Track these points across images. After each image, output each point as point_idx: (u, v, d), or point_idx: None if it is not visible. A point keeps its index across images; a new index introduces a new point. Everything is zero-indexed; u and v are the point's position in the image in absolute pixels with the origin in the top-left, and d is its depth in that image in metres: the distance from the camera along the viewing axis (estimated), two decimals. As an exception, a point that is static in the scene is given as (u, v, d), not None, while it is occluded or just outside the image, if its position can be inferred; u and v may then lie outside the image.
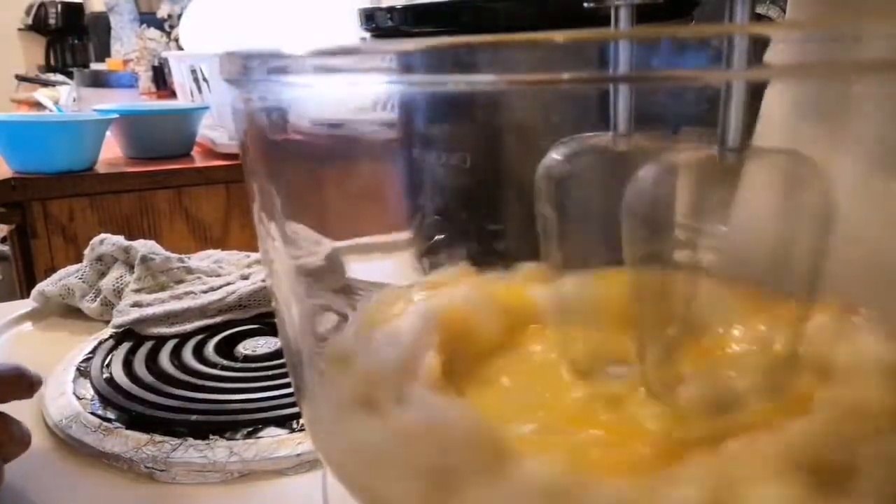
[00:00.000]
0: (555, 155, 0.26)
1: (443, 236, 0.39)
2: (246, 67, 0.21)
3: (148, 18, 2.16)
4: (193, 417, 0.42)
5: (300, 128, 0.27)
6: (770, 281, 0.24)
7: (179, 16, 1.78)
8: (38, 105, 1.98)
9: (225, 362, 0.50)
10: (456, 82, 0.16)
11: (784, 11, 0.41)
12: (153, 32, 2.00)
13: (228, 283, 0.60)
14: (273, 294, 0.26)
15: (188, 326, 0.54)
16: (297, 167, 0.29)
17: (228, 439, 0.40)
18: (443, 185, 0.40)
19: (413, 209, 0.40)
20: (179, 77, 1.54)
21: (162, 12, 2.10)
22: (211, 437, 0.41)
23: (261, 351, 0.51)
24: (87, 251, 0.62)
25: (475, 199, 0.40)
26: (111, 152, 1.29)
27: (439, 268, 0.39)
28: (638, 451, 0.22)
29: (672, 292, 0.28)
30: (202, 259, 0.66)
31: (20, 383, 0.37)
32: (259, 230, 0.26)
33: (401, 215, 0.40)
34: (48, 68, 3.28)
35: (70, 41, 3.60)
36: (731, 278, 0.31)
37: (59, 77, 2.43)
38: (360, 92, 0.39)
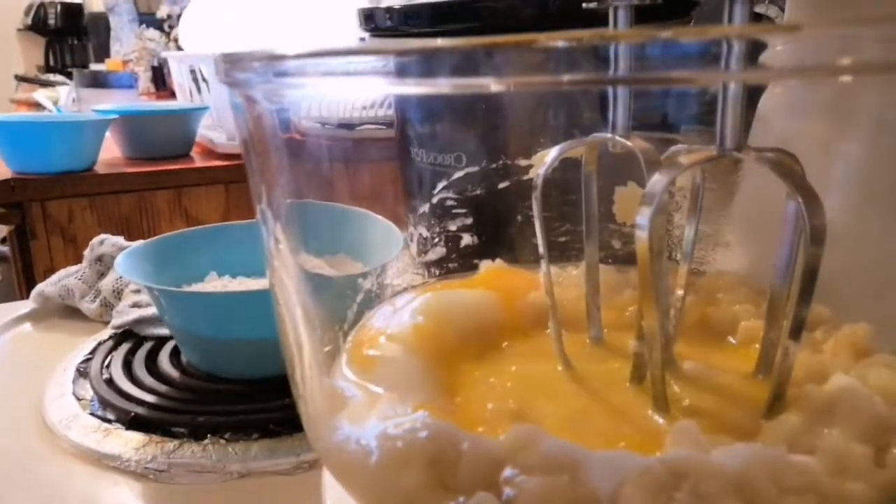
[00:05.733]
0: (553, 155, 0.26)
1: (442, 238, 0.39)
2: (240, 69, 0.21)
3: (147, 19, 2.15)
4: (198, 419, 0.42)
5: (307, 129, 0.27)
6: (769, 281, 0.24)
7: (179, 16, 1.78)
8: (37, 105, 1.98)
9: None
10: (455, 84, 0.16)
11: (783, 11, 0.41)
12: (152, 33, 2.00)
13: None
14: (274, 295, 0.26)
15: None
16: (304, 168, 0.29)
17: (228, 440, 0.40)
18: (442, 185, 0.40)
19: (413, 209, 0.40)
20: (179, 77, 1.54)
21: (161, 13, 2.10)
22: (210, 437, 0.41)
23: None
24: (86, 252, 0.62)
25: (475, 200, 0.40)
26: (110, 153, 1.29)
27: (438, 268, 0.39)
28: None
29: (671, 290, 0.28)
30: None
31: None
32: (262, 231, 0.26)
33: (401, 216, 0.40)
34: (47, 69, 3.28)
35: (69, 42, 3.60)
36: (730, 277, 0.31)
37: (59, 77, 2.43)
38: (359, 93, 0.39)
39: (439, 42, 0.16)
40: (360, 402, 0.24)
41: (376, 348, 0.27)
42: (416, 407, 0.23)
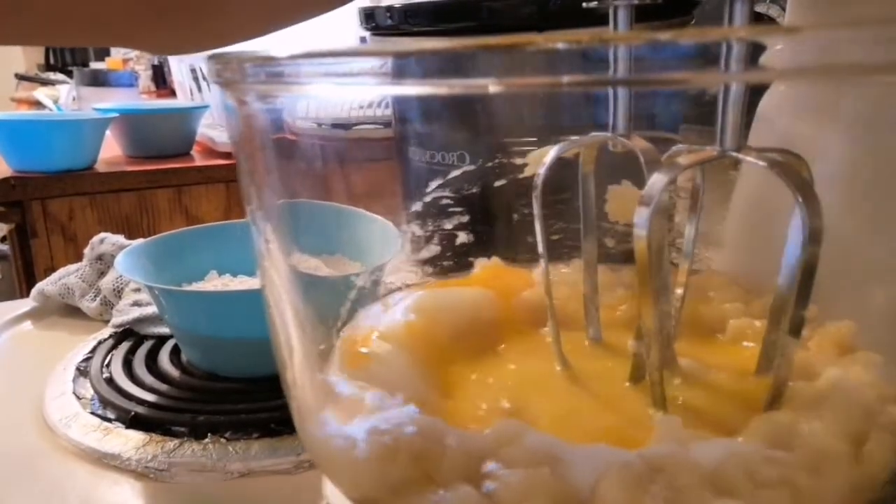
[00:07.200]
0: (552, 155, 0.26)
1: (437, 236, 0.39)
2: (231, 70, 0.21)
3: (148, 17, 2.15)
4: (199, 418, 0.42)
5: (297, 129, 0.27)
6: (767, 280, 0.24)
7: (179, 14, 1.78)
8: (37, 104, 1.98)
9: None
10: (452, 85, 0.16)
11: (784, 10, 0.41)
12: (153, 31, 1.99)
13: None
14: (265, 297, 0.26)
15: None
16: (295, 168, 0.29)
17: (228, 439, 0.40)
18: (437, 184, 0.40)
19: (407, 207, 0.40)
20: (179, 76, 1.54)
21: (162, 11, 2.09)
22: (210, 436, 0.41)
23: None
24: (86, 250, 0.62)
25: (472, 198, 0.40)
26: (111, 151, 1.29)
27: (433, 266, 0.39)
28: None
29: (670, 288, 0.28)
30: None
31: None
32: (253, 232, 0.26)
33: (397, 215, 0.40)
34: (48, 67, 3.26)
35: (70, 40, 3.59)
36: (728, 277, 0.31)
37: (59, 76, 2.43)
38: (352, 94, 0.39)
39: (434, 44, 0.16)
40: (351, 399, 0.24)
41: (368, 346, 0.27)
42: (406, 403, 0.23)
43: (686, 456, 0.19)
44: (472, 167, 0.39)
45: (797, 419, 0.21)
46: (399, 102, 0.37)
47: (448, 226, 0.39)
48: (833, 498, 0.19)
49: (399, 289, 0.33)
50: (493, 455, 0.20)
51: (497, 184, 0.38)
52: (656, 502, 0.18)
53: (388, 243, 0.38)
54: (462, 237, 0.39)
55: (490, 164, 0.38)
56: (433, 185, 0.39)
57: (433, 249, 0.39)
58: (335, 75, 0.18)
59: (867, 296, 0.27)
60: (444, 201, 0.39)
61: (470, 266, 0.34)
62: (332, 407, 0.24)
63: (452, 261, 0.39)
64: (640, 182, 0.22)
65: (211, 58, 0.21)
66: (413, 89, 0.18)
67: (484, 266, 0.33)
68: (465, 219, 0.39)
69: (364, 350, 0.27)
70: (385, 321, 0.29)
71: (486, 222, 0.39)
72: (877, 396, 0.22)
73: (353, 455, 0.21)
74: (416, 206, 0.39)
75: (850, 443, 0.20)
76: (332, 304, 0.31)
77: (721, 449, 0.19)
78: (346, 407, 0.24)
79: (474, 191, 0.39)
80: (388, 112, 0.39)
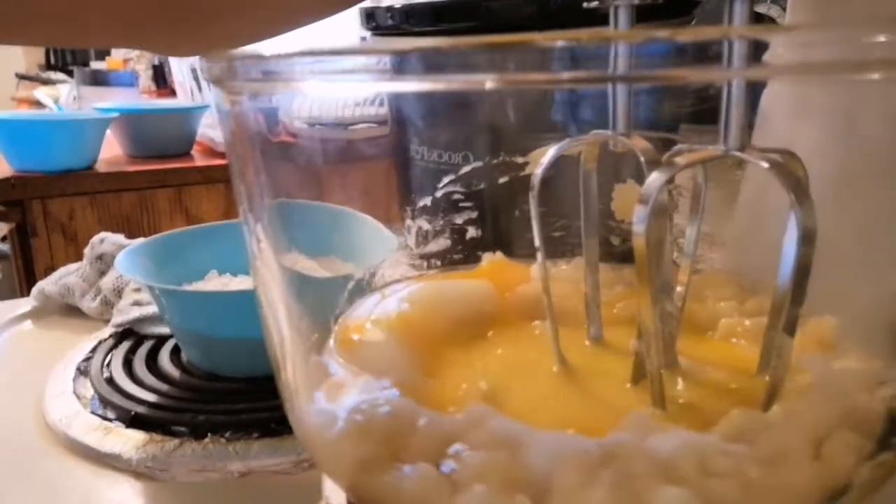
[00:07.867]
0: (551, 154, 0.26)
1: (446, 231, 0.40)
2: (222, 69, 0.21)
3: (148, 17, 2.15)
4: (199, 417, 0.42)
5: (289, 128, 0.27)
6: (768, 278, 0.24)
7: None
8: (38, 104, 1.98)
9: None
10: (450, 82, 0.16)
11: (784, 11, 0.41)
12: (153, 31, 1.99)
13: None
14: (258, 297, 0.26)
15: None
16: (286, 168, 0.29)
17: (228, 439, 0.40)
18: (448, 180, 0.40)
19: (411, 203, 0.40)
20: (180, 76, 1.54)
21: (162, 11, 2.09)
22: (210, 436, 0.41)
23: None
24: (87, 250, 0.62)
25: (480, 194, 0.40)
26: (111, 151, 1.29)
27: (441, 259, 0.39)
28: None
29: (673, 288, 0.28)
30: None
31: None
32: (245, 231, 0.26)
33: (395, 214, 0.40)
34: (48, 67, 3.26)
35: (70, 40, 3.58)
36: (726, 275, 0.31)
37: (60, 75, 2.43)
38: (348, 91, 0.39)
39: (430, 42, 0.16)
40: (338, 381, 0.24)
41: (361, 333, 0.28)
42: (392, 387, 0.23)
43: (640, 445, 0.19)
44: (476, 165, 0.39)
45: (766, 414, 0.21)
46: (400, 101, 0.37)
47: (459, 221, 0.39)
48: (788, 492, 0.19)
49: (398, 281, 0.33)
50: (460, 437, 0.20)
51: (501, 181, 0.38)
52: (604, 486, 0.18)
53: (381, 245, 0.38)
54: (472, 232, 0.39)
55: (495, 161, 0.38)
56: (443, 181, 0.39)
57: (441, 243, 0.39)
58: (325, 73, 0.18)
59: (850, 294, 0.27)
60: (455, 196, 0.39)
61: (471, 261, 0.34)
62: (321, 389, 0.24)
63: (461, 255, 0.39)
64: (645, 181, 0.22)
65: (203, 56, 0.21)
66: (409, 86, 0.18)
67: (490, 261, 0.33)
68: (475, 214, 0.39)
69: (356, 337, 0.27)
70: (379, 311, 0.29)
71: (497, 218, 0.39)
72: (850, 395, 0.22)
73: (331, 434, 0.22)
74: (420, 202, 0.39)
75: (816, 439, 0.20)
76: (324, 305, 0.31)
77: (678, 440, 0.20)
78: (332, 388, 0.24)
79: (479, 188, 0.39)
80: (383, 111, 0.39)
